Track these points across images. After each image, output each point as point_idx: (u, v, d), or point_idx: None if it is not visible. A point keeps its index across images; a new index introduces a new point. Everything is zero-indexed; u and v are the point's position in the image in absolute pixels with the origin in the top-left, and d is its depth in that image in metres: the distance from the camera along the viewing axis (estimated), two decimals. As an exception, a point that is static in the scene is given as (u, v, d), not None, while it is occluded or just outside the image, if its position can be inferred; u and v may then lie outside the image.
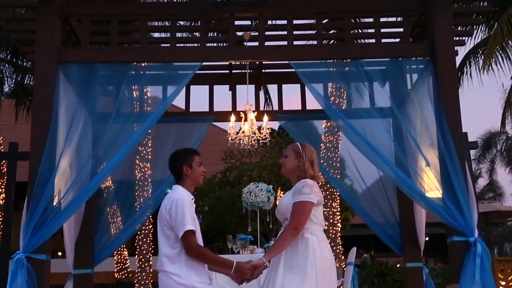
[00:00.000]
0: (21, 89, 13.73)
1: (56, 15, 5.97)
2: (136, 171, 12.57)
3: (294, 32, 6.47)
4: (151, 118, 6.05)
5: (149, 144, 12.62)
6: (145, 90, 8.05)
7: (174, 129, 7.40)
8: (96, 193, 6.22)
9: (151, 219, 12.32)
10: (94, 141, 6.33)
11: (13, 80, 13.81)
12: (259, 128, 8.15)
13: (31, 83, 13.38)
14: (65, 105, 5.89)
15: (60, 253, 16.93)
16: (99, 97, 6.59)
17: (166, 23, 7.31)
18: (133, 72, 6.45)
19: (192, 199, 3.97)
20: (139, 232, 13.05)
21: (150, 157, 12.62)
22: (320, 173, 4.30)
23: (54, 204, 5.48)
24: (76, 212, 5.93)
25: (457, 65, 11.07)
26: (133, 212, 7.16)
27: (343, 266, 9.76)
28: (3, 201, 7.40)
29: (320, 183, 4.31)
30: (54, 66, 5.81)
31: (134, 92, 7.90)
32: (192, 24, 7.96)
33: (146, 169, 12.72)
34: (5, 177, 7.71)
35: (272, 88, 14.34)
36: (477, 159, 32.88)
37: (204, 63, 6.37)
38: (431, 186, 5.82)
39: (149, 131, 7.69)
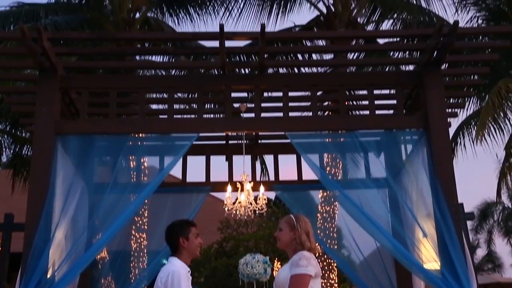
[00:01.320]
0: (18, 160, 13.73)
1: (56, 87, 6.07)
2: (132, 242, 12.39)
3: (290, 104, 6.57)
4: (148, 188, 6.04)
5: (145, 215, 12.53)
6: (142, 160, 8.08)
7: (171, 200, 7.38)
8: (91, 264, 6.12)
9: (146, 291, 12.07)
10: (91, 211, 6.27)
11: (11, 151, 13.84)
12: (256, 199, 8.15)
13: (29, 153, 13.41)
14: (62, 176, 5.89)
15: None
16: (96, 168, 6.60)
17: (164, 94, 7.41)
18: (130, 143, 6.49)
19: (189, 271, 3.94)
20: (133, 305, 12.74)
21: (146, 227, 12.50)
22: (317, 244, 4.27)
23: (48, 276, 5.38)
24: (70, 284, 5.82)
25: (451, 136, 11.23)
26: (128, 284, 7.04)
27: None
28: (-4, 273, 7.26)
29: (318, 254, 4.27)
30: (53, 137, 5.85)
31: (131, 163, 7.92)
32: (189, 95, 8.09)
33: (142, 239, 12.53)
34: (-1, 249, 7.61)
35: (268, 159, 14.39)
36: (475, 229, 32.70)
37: (201, 134, 6.45)
38: (429, 257, 5.77)
39: (146, 201, 7.67)
